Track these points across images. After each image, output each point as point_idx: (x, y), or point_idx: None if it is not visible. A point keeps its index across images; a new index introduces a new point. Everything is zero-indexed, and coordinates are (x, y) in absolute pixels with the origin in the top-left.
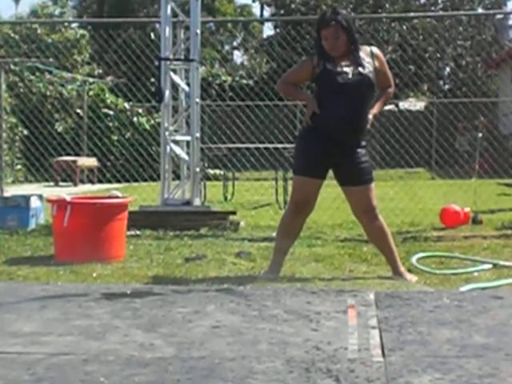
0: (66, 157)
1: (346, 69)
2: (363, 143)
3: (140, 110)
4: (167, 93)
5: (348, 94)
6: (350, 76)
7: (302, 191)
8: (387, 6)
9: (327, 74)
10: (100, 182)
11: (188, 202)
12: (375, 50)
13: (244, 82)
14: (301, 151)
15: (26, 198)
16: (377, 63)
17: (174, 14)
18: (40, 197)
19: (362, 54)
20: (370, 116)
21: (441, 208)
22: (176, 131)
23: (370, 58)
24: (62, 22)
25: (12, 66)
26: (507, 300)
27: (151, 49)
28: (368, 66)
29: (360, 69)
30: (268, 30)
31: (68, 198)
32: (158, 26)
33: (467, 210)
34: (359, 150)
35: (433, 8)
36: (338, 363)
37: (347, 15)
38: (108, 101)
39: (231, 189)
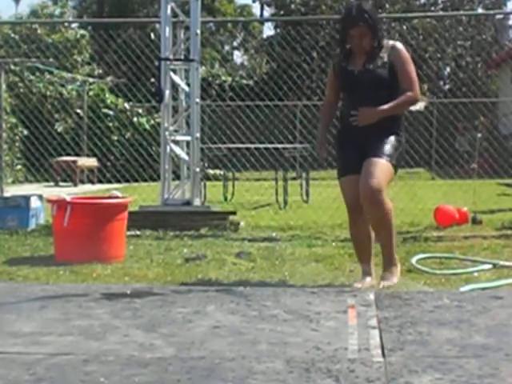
0: (66, 157)
1: (357, 66)
2: (393, 131)
3: (140, 110)
4: (167, 93)
5: (357, 91)
6: (357, 73)
7: (349, 191)
8: (387, 6)
9: (341, 73)
10: (100, 182)
11: (188, 202)
12: (396, 44)
13: (244, 82)
14: (337, 155)
15: (26, 198)
16: (392, 57)
17: (174, 14)
18: (40, 197)
19: (382, 50)
20: (379, 109)
21: (435, 208)
22: (176, 131)
23: (385, 52)
24: (62, 22)
25: (12, 66)
26: (507, 300)
27: (151, 49)
28: (378, 61)
29: (367, 65)
30: (268, 30)
31: (68, 198)
32: (158, 26)
33: (465, 209)
34: (388, 135)
35: (433, 8)
36: (338, 363)
37: (373, 10)
38: (108, 101)
39: (231, 189)
